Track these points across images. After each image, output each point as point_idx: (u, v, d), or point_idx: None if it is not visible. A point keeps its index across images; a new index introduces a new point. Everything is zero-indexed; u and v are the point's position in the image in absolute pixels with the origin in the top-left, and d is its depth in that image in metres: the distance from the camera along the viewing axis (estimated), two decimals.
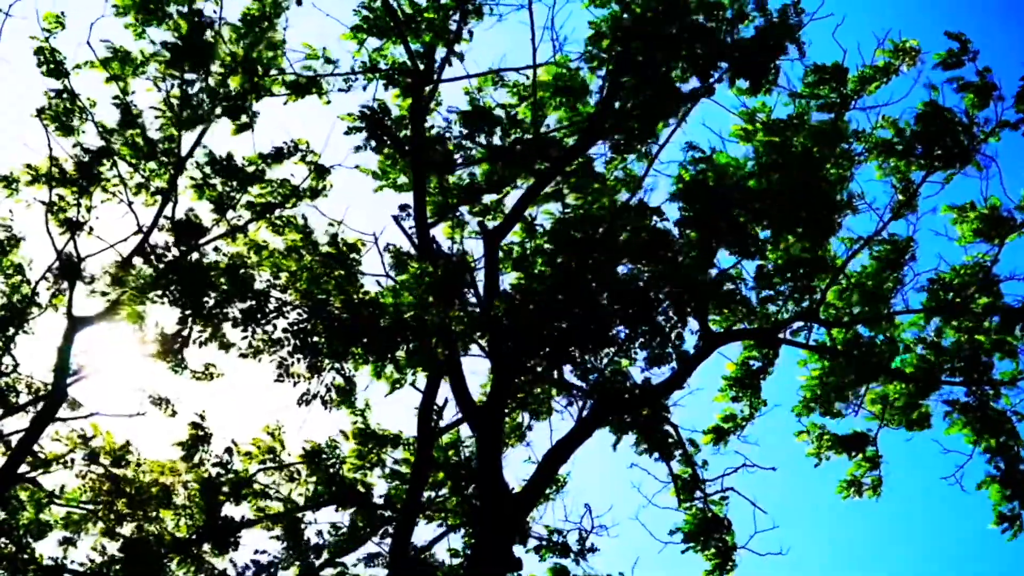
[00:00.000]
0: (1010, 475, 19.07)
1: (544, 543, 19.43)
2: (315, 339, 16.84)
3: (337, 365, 17.31)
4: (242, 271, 17.34)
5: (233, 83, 18.65)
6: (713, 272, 18.33)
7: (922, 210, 18.91)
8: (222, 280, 16.96)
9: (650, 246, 17.65)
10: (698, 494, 19.01)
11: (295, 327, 16.84)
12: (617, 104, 18.34)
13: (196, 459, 19.39)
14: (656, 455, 18.90)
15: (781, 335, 19.58)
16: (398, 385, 18.96)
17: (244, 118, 18.96)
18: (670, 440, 18.83)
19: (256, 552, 18.75)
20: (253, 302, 16.98)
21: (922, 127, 18.05)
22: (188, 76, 18.39)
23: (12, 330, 18.81)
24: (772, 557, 18.04)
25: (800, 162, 17.87)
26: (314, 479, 19.90)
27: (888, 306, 19.82)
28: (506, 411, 18.26)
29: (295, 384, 16.98)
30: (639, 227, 18.12)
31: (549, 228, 19.11)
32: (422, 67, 18.67)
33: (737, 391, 20.40)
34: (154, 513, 19.10)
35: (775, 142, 18.44)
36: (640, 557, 18.12)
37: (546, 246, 18.91)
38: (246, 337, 17.11)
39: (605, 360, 18.03)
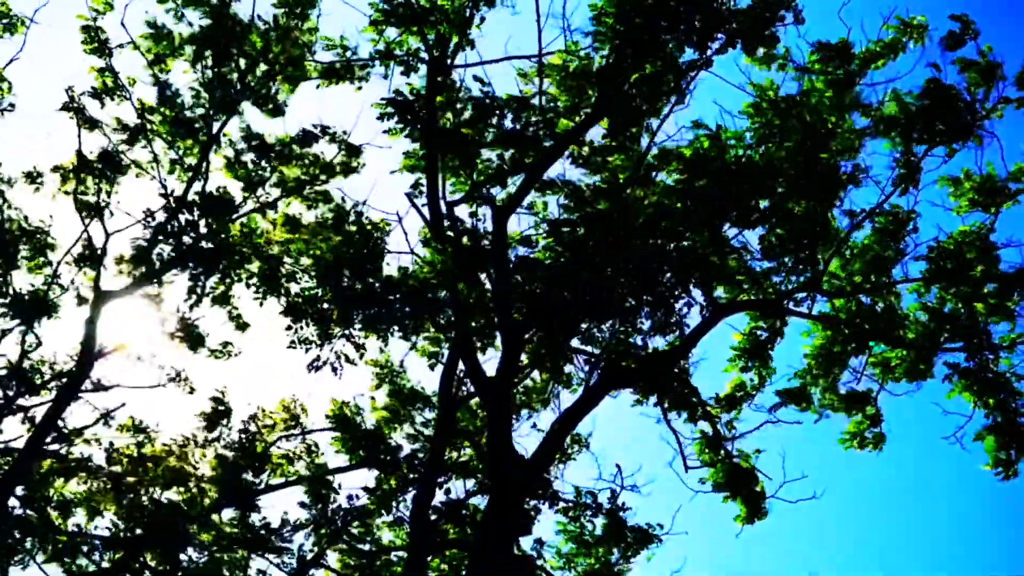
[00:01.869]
0: (1008, 427, 19.66)
1: (572, 504, 19.96)
2: (325, 306, 17.40)
3: (347, 332, 17.87)
4: (257, 237, 17.76)
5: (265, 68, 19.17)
6: (718, 243, 18.80)
7: (924, 184, 19.30)
8: (239, 245, 17.44)
9: (653, 220, 18.05)
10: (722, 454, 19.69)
11: (306, 293, 17.37)
12: (620, 81, 18.68)
13: (217, 432, 19.85)
14: (683, 415, 19.50)
15: (785, 305, 20.02)
16: (434, 359, 19.43)
17: (274, 106, 19.68)
18: (693, 400, 19.37)
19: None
20: (265, 264, 17.48)
21: (925, 104, 18.37)
22: (222, 59, 18.88)
23: (36, 310, 19.10)
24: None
25: (802, 135, 18.25)
26: (340, 441, 20.40)
27: (889, 276, 20.27)
28: (516, 380, 18.76)
29: (307, 351, 17.61)
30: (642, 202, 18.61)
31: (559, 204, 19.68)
32: (436, 54, 19.17)
33: (746, 361, 20.98)
34: (176, 483, 19.57)
35: (778, 114, 18.86)
36: (668, 516, 18.48)
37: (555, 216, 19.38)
38: (258, 298, 17.61)
39: (611, 331, 18.52)
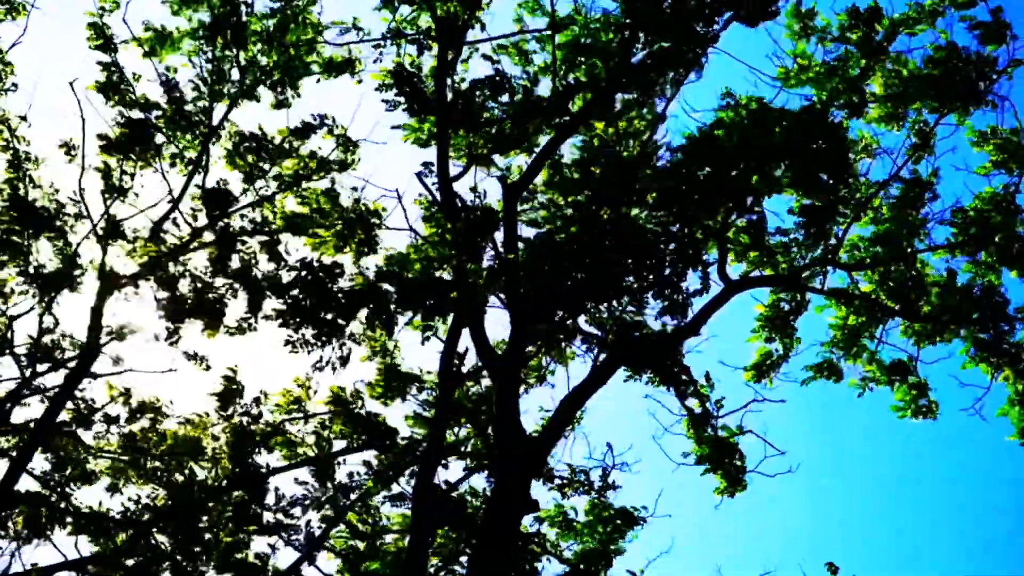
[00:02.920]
0: None
1: (566, 482, 20.07)
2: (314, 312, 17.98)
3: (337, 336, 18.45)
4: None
5: (268, 61, 19.34)
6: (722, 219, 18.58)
7: (939, 151, 19.20)
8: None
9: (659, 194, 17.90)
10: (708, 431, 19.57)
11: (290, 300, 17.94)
12: (633, 55, 18.72)
13: (229, 411, 20.09)
14: (671, 390, 19.32)
15: (801, 280, 19.83)
16: (428, 331, 19.56)
17: (281, 96, 19.87)
18: (683, 378, 19.20)
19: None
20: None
21: (935, 68, 17.98)
22: (222, 53, 19.08)
23: (54, 290, 19.44)
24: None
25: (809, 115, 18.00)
26: (341, 423, 20.57)
27: (911, 244, 19.94)
28: (524, 359, 18.71)
29: (308, 352, 18.35)
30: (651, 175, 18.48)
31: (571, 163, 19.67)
32: (447, 30, 19.17)
33: (770, 332, 20.86)
34: (188, 463, 19.86)
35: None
36: (657, 489, 18.42)
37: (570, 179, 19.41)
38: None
39: (619, 310, 18.51)
